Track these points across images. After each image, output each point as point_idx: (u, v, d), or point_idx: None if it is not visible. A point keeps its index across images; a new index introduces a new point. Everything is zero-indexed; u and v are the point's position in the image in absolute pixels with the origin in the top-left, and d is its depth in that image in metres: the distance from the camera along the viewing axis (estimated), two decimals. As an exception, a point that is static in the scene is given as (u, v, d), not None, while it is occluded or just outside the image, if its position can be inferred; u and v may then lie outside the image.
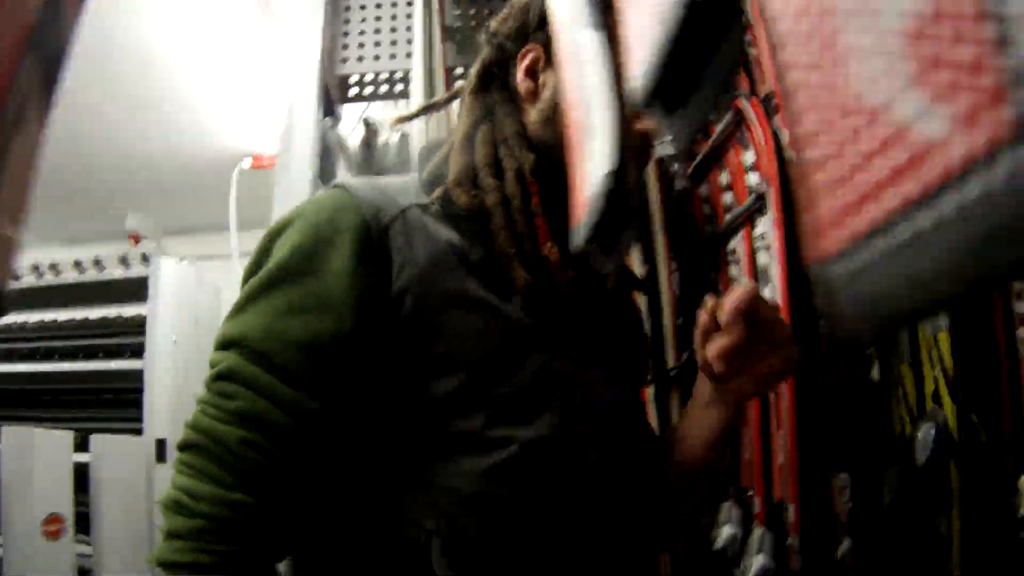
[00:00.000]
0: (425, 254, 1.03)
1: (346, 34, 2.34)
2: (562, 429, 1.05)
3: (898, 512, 1.58)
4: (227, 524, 0.91)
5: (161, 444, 3.41)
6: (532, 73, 1.18)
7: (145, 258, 3.85)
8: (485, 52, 1.24)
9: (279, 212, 2.09)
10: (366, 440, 1.03)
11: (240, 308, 1.01)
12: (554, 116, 1.12)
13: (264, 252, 1.04)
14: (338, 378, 0.99)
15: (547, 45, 1.15)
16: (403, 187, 1.14)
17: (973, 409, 1.64)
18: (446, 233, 1.07)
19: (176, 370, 3.52)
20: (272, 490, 0.94)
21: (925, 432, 1.58)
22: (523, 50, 1.19)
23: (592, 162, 0.73)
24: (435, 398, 1.01)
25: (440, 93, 1.82)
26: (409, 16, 2.36)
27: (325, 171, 2.16)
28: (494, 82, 1.21)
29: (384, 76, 2.34)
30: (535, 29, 1.19)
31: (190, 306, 3.68)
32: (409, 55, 2.32)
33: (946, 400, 1.61)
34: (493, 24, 1.25)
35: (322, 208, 1.05)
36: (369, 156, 1.81)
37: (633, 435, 1.25)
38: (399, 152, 1.80)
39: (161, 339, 3.51)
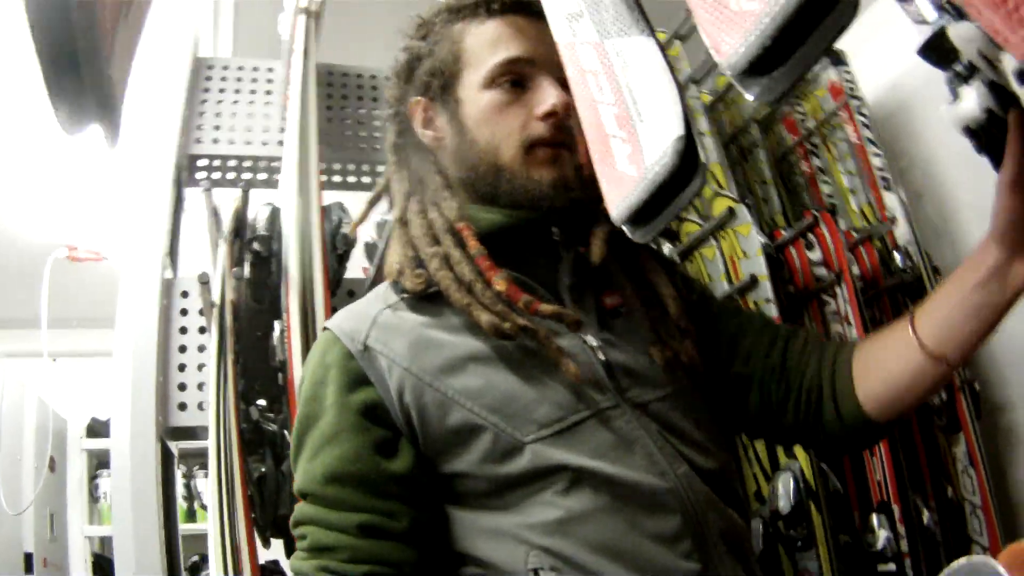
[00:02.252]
0: (403, 345, 1.12)
1: (201, 114, 2.34)
2: (614, 434, 1.09)
3: (769, 558, 1.68)
4: None
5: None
6: (428, 123, 1.25)
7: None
8: (389, 128, 1.33)
9: (127, 304, 2.05)
10: (433, 523, 1.11)
11: (294, 461, 1.16)
12: (459, 153, 1.21)
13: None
14: (377, 486, 1.08)
15: (427, 92, 1.25)
16: (377, 296, 1.23)
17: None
18: (415, 319, 1.15)
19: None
20: None
21: (784, 482, 1.68)
22: (412, 103, 1.27)
23: (651, 137, 0.81)
24: (479, 460, 1.08)
25: (314, 188, 1.86)
26: (267, 104, 2.40)
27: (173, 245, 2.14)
28: (408, 151, 1.29)
29: (233, 162, 2.36)
30: (406, 83, 1.28)
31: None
32: (265, 143, 2.35)
33: (800, 452, 1.74)
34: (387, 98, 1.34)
35: (314, 354, 1.19)
36: (241, 226, 1.82)
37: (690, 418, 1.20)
38: (269, 225, 1.81)
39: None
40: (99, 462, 5.05)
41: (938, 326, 1.09)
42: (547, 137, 1.17)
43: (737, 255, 2.11)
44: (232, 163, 2.36)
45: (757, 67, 0.67)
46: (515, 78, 1.19)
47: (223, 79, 2.43)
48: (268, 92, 2.43)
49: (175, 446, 2.00)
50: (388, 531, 1.06)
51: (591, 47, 0.92)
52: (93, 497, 4.91)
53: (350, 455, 1.08)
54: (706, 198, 2.23)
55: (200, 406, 1.94)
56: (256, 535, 1.59)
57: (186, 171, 2.28)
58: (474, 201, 1.20)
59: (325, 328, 1.20)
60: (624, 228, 0.86)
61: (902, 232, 2.34)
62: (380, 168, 2.42)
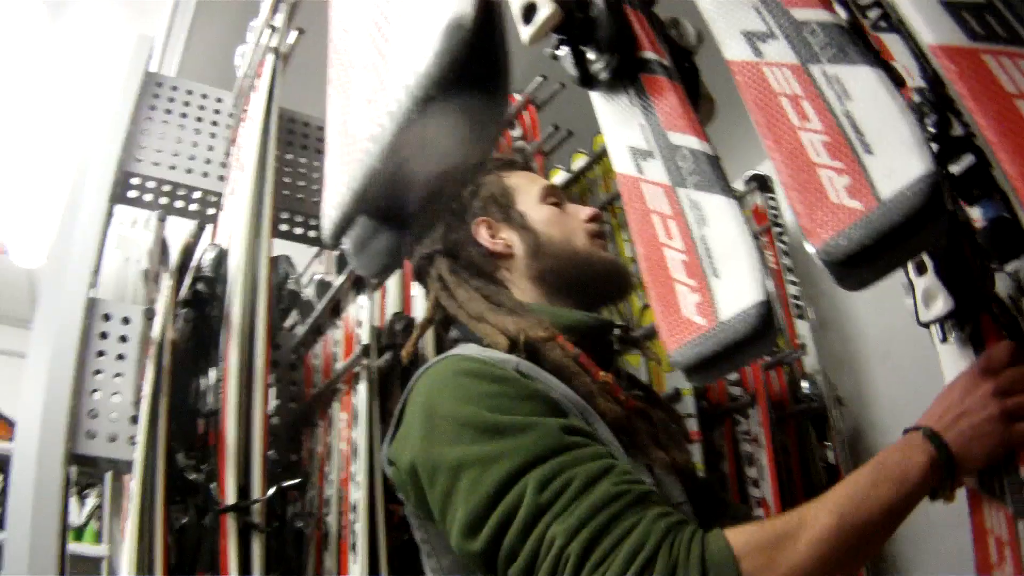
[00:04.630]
0: (552, 380, 1.19)
1: (144, 132, 2.29)
2: None
3: None
4: None
5: None
6: (495, 235, 1.48)
7: None
8: (439, 262, 1.48)
9: (47, 317, 1.99)
10: None
11: (478, 443, 1.06)
12: (537, 251, 1.44)
13: (431, 430, 1.13)
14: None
15: (486, 214, 1.49)
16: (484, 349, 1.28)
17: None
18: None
19: None
20: None
21: None
22: (475, 224, 1.48)
23: (727, 294, 0.88)
24: None
25: (265, 236, 1.86)
26: (212, 136, 2.37)
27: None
28: (468, 277, 1.45)
29: (168, 187, 2.31)
30: (466, 210, 1.50)
31: None
32: (205, 175, 2.32)
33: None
34: (423, 248, 1.51)
35: (464, 368, 1.18)
36: (186, 262, 1.80)
37: None
38: (215, 266, 1.80)
39: None
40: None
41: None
42: (599, 231, 1.50)
43: (663, 367, 2.19)
44: (166, 188, 2.30)
45: (850, 261, 0.75)
46: (555, 200, 1.52)
47: (171, 99, 2.37)
48: (214, 123, 2.40)
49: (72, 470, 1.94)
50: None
51: (660, 189, 0.97)
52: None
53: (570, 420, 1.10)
54: (633, 308, 2.31)
55: (110, 438, 1.89)
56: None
57: (119, 187, 2.22)
58: (548, 294, 1.43)
59: (459, 354, 1.23)
60: (682, 371, 0.92)
61: (810, 360, 2.47)
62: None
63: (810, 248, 0.78)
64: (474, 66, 0.45)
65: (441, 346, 1.59)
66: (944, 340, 1.10)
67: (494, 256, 1.46)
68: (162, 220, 1.79)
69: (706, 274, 0.91)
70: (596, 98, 1.10)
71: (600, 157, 2.57)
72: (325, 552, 1.76)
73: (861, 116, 0.77)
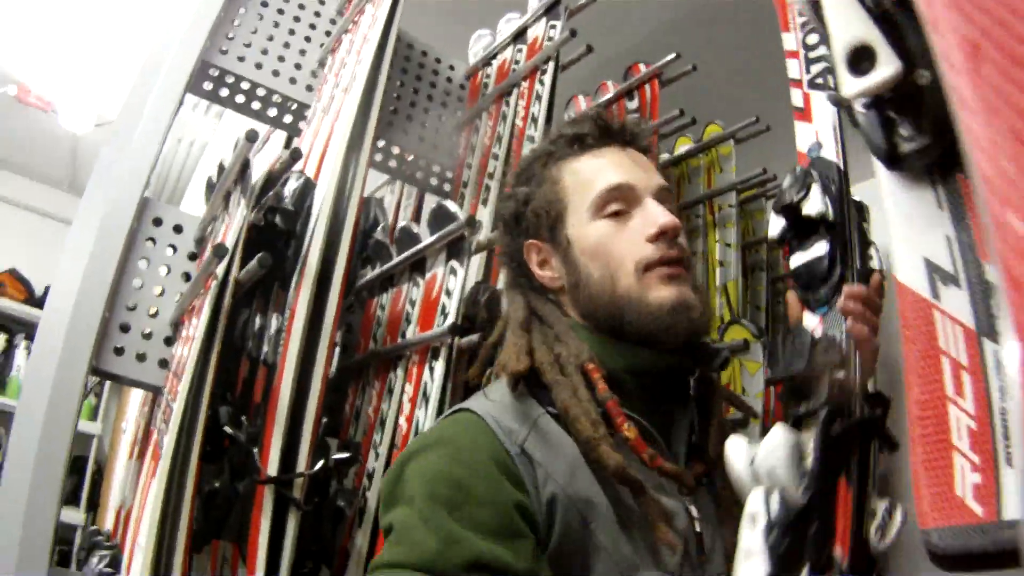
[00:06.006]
0: (563, 463, 1.08)
1: (234, 23, 2.07)
2: None
3: None
4: None
5: None
6: (544, 264, 1.30)
7: None
8: (504, 270, 1.38)
9: (99, 182, 1.78)
10: None
11: (418, 526, 1.00)
12: (576, 290, 1.24)
13: (399, 478, 1.08)
14: None
15: (538, 235, 1.30)
16: (524, 394, 1.16)
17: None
18: (567, 438, 1.10)
19: None
20: None
21: None
22: (526, 246, 1.31)
23: (1017, 489, 0.72)
24: None
25: (361, 175, 1.63)
26: (307, 39, 2.15)
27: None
28: (526, 291, 1.30)
29: (247, 87, 2.10)
30: (516, 227, 1.33)
31: None
32: (293, 81, 2.10)
33: None
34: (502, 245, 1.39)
35: (461, 435, 1.10)
36: (266, 190, 1.56)
37: None
38: (298, 200, 1.56)
39: None
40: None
41: None
42: (660, 258, 1.17)
43: (735, 387, 2.01)
44: (245, 86, 2.09)
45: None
46: (618, 207, 1.22)
47: (269, -6, 2.15)
48: (312, 26, 2.18)
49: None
50: None
51: (959, 329, 0.76)
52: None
53: (512, 551, 0.98)
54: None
55: (139, 357, 1.69)
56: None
57: (196, 77, 1.99)
58: (600, 336, 1.21)
59: (471, 412, 1.13)
60: (932, 555, 0.74)
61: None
62: (419, 160, 2.25)
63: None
64: None
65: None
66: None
67: (544, 287, 1.30)
68: (251, 140, 1.51)
69: (996, 454, 0.72)
70: (888, 181, 0.88)
71: (705, 148, 2.38)
72: (357, 528, 1.57)
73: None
